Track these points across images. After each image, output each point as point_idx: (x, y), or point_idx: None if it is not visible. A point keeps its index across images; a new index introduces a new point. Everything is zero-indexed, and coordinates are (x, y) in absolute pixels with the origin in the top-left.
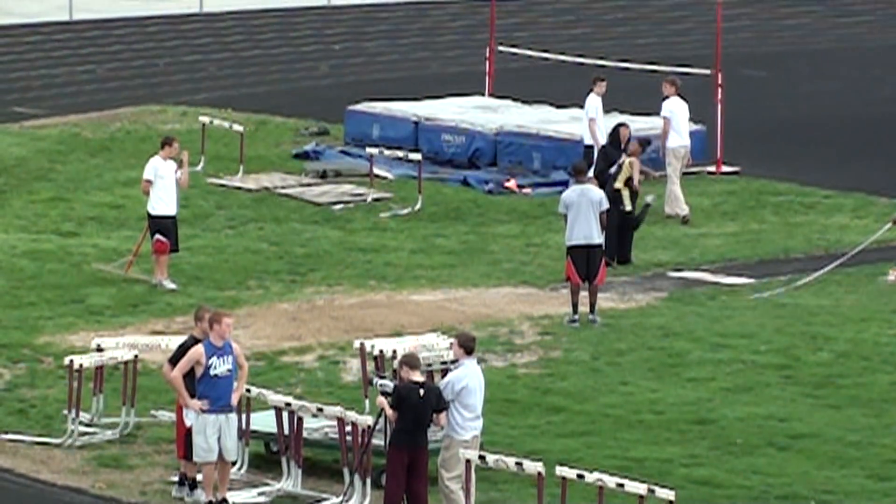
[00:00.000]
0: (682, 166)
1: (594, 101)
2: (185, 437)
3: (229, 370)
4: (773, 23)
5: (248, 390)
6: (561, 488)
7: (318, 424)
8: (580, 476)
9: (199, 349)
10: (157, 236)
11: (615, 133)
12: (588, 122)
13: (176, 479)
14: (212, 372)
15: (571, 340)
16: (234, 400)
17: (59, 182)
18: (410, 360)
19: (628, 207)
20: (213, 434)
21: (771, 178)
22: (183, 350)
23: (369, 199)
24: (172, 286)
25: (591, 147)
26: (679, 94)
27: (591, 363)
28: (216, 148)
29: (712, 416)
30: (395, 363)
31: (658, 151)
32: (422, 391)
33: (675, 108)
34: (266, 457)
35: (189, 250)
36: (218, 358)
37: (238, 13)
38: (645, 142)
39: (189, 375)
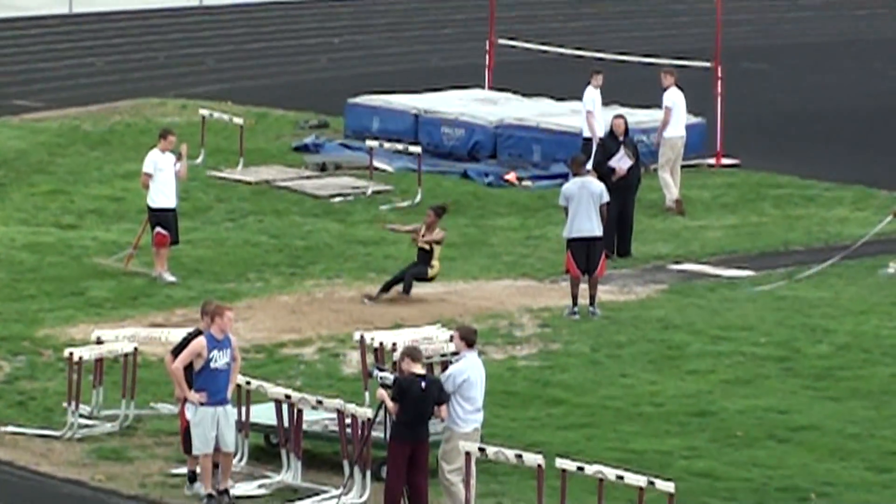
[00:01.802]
0: (676, 157)
1: (592, 94)
2: (186, 432)
3: (227, 363)
4: (773, 15)
5: (248, 382)
6: (561, 480)
7: (318, 417)
8: (580, 468)
9: (200, 341)
10: (158, 229)
11: (611, 125)
12: (586, 115)
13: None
14: (212, 365)
15: (571, 333)
16: (229, 393)
17: (58, 175)
18: (412, 353)
19: (429, 275)
20: (212, 427)
21: (771, 170)
22: (187, 342)
23: (369, 191)
24: (172, 279)
25: (589, 140)
26: (677, 85)
27: (590, 355)
28: (216, 141)
29: (712, 408)
30: (396, 355)
31: (655, 144)
32: (423, 383)
33: (676, 99)
34: (266, 449)
35: (189, 243)
36: (218, 351)
37: (238, 6)
38: (440, 210)
39: (187, 367)
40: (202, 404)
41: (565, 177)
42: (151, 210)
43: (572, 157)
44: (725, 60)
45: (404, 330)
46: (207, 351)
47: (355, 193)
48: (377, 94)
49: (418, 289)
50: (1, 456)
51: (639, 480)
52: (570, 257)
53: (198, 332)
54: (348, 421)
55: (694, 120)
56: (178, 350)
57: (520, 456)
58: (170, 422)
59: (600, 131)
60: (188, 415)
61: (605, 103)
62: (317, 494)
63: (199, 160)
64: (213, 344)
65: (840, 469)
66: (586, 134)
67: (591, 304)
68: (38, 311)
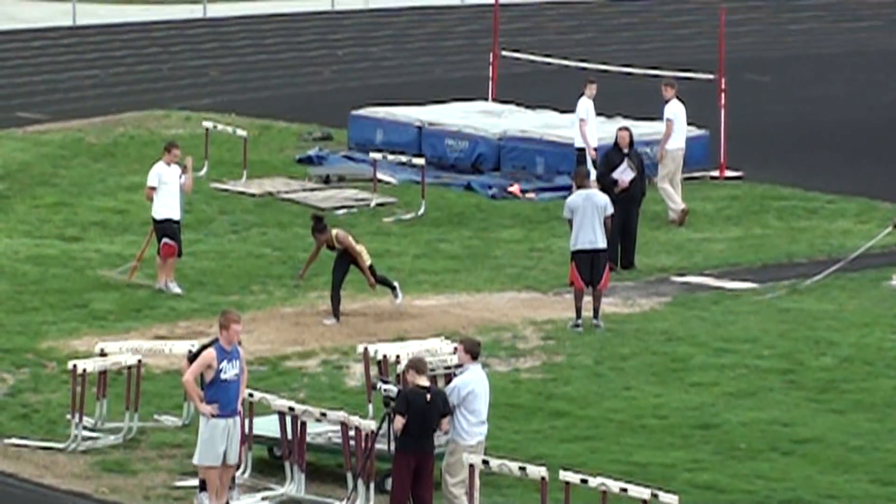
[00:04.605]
0: (676, 168)
1: (584, 104)
2: None
3: (236, 374)
4: (776, 27)
5: (251, 395)
6: (564, 493)
7: (322, 429)
8: (583, 481)
9: (210, 353)
10: (165, 240)
11: (615, 137)
12: (578, 124)
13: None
14: (222, 376)
15: (575, 345)
16: (239, 404)
17: (62, 187)
18: (417, 365)
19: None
20: (221, 440)
21: (774, 182)
22: (203, 350)
23: (373, 204)
24: (178, 290)
25: (582, 150)
26: (678, 97)
27: (594, 368)
28: (219, 153)
29: (716, 420)
30: (401, 367)
31: (659, 157)
32: (428, 396)
33: (677, 111)
34: (269, 461)
35: (193, 255)
36: (227, 362)
37: (242, 18)
38: (317, 224)
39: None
40: (213, 416)
41: (569, 189)
42: (156, 222)
43: (576, 170)
44: (729, 72)
45: (408, 342)
46: (217, 362)
47: (359, 206)
48: (381, 106)
49: (422, 301)
50: (4, 468)
51: (642, 493)
52: (573, 269)
53: (215, 341)
54: (352, 433)
55: (697, 132)
56: (193, 359)
57: (523, 468)
58: (173, 434)
59: (593, 141)
60: (200, 427)
61: (609, 115)
62: None
63: (202, 172)
64: (223, 355)
65: (843, 482)
66: (579, 144)
67: (595, 316)
68: (42, 324)
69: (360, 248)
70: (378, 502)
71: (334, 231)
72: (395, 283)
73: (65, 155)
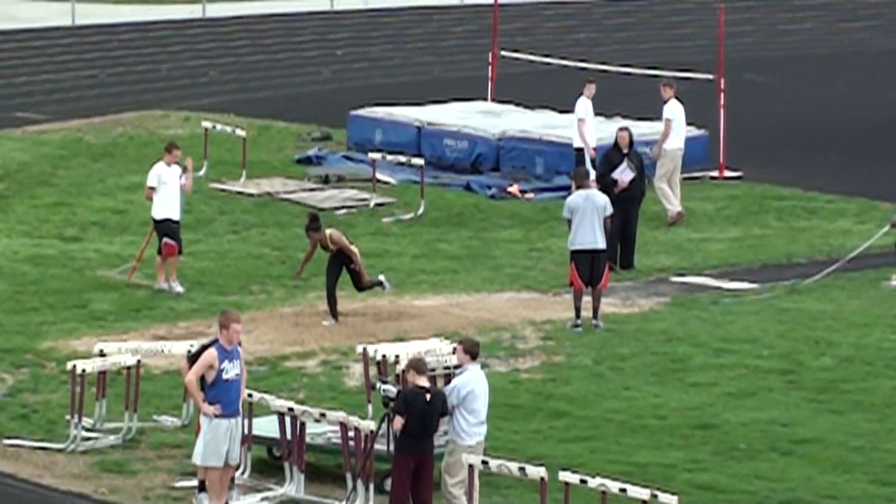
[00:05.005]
0: (675, 168)
1: (583, 104)
2: None
3: (238, 374)
4: (775, 28)
5: (250, 395)
6: (564, 493)
7: (321, 429)
8: (583, 481)
9: (212, 353)
10: (165, 239)
11: (615, 137)
12: (577, 124)
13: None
14: (224, 376)
15: (574, 345)
16: (240, 404)
17: (61, 187)
18: (417, 365)
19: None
20: (224, 440)
21: (774, 182)
22: (203, 350)
23: (372, 204)
24: (180, 289)
25: (581, 150)
26: (676, 97)
27: (593, 368)
28: (219, 153)
29: (715, 421)
30: (401, 367)
31: (655, 156)
32: (428, 396)
33: (676, 111)
34: (269, 462)
35: (192, 255)
36: (229, 362)
37: (241, 18)
38: (312, 223)
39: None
40: (216, 416)
41: (568, 189)
42: (156, 222)
43: (575, 170)
44: (728, 72)
45: (407, 342)
46: (219, 362)
47: (358, 206)
48: (380, 106)
49: (421, 301)
50: (3, 468)
51: (642, 493)
52: (573, 269)
53: (215, 342)
54: (351, 434)
55: (697, 132)
56: (193, 358)
57: (523, 469)
58: (173, 434)
59: (592, 141)
60: (203, 427)
61: (608, 115)
62: None
63: (201, 172)
64: (224, 355)
65: (843, 482)
66: (577, 144)
67: (595, 316)
68: (41, 324)
69: (353, 248)
70: (377, 503)
71: (328, 231)
72: (380, 277)
73: (64, 155)
